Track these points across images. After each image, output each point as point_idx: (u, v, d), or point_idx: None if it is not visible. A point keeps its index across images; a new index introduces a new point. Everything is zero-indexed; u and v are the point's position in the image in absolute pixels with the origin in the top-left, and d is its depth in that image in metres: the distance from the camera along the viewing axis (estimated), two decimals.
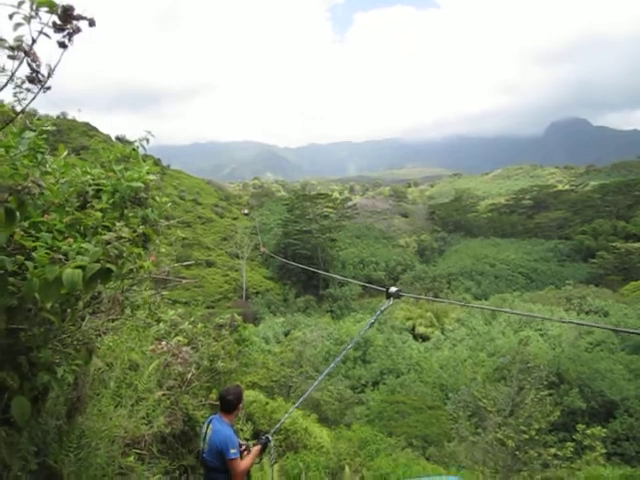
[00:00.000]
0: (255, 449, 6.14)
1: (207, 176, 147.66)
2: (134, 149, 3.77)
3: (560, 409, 23.07)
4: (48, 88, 2.64)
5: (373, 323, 7.02)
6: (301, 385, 22.35)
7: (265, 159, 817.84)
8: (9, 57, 2.46)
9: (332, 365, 7.57)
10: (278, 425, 7.50)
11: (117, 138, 78.57)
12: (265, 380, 20.89)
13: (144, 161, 3.80)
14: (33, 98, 2.66)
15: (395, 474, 12.44)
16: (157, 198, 3.82)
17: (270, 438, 6.37)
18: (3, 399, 2.93)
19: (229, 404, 5.99)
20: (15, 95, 2.76)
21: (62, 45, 2.43)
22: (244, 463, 5.87)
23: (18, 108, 2.88)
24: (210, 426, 5.94)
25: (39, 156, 2.88)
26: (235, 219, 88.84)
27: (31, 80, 2.55)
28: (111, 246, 2.65)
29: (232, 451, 5.69)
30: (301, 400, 7.76)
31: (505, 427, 18.99)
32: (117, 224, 2.85)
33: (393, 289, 6.73)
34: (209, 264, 68.68)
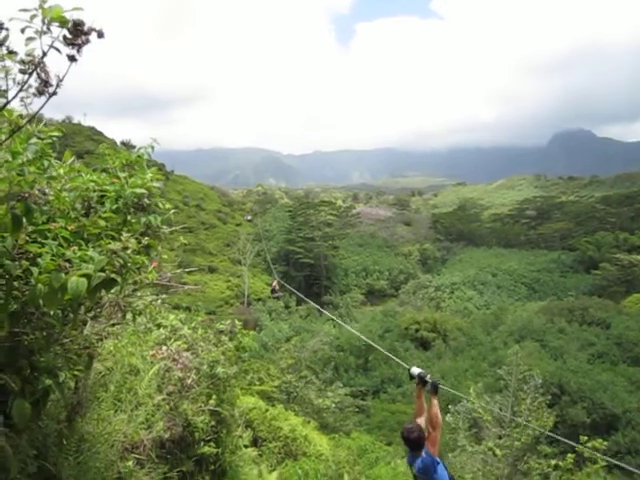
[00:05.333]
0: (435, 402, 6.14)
1: (211, 181, 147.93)
2: (139, 156, 3.81)
3: (560, 420, 23.03)
4: (55, 93, 2.67)
5: None
6: (301, 391, 22.33)
7: (269, 165, 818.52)
8: (20, 71, 2.50)
9: None
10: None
11: (122, 143, 78.87)
12: (267, 386, 20.89)
13: (148, 168, 3.82)
14: (41, 107, 2.70)
15: None
16: (160, 205, 3.85)
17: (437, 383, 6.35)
18: (7, 403, 2.96)
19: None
20: (22, 100, 2.79)
21: (72, 59, 2.47)
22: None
23: (24, 111, 2.91)
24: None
25: (45, 162, 2.92)
26: (238, 225, 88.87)
27: (41, 92, 2.59)
28: (116, 256, 2.69)
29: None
30: None
31: (504, 437, 18.99)
32: (124, 234, 2.88)
33: (415, 370, 6.56)
34: (211, 270, 68.72)
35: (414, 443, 5.91)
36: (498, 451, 18.87)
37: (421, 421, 6.22)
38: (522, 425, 18.88)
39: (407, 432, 5.97)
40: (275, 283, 43.97)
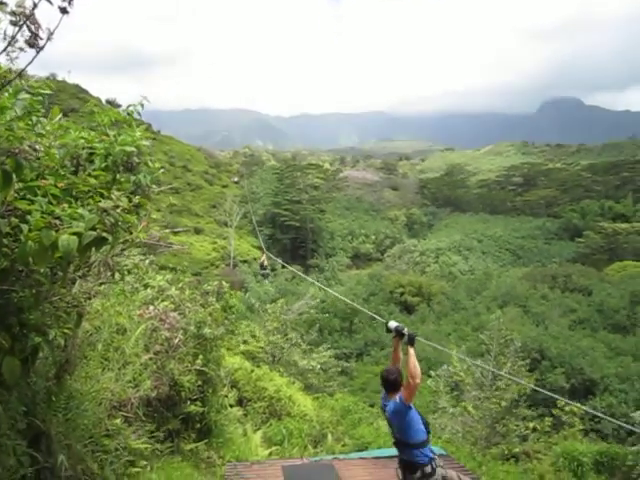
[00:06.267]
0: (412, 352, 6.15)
1: (198, 142, 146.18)
2: (129, 113, 3.76)
3: (539, 384, 23.45)
4: (42, 48, 2.62)
5: None
6: (287, 353, 22.51)
7: (256, 127, 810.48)
8: (11, 23, 2.44)
9: None
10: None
11: (108, 102, 77.65)
12: (252, 346, 21.06)
13: (137, 126, 3.78)
14: (31, 61, 2.65)
15: (377, 443, 12.65)
16: (149, 163, 3.82)
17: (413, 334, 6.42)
18: None
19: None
20: (8, 54, 2.73)
21: (63, 11, 2.42)
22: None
23: (10, 66, 2.85)
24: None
25: (34, 118, 2.87)
26: (225, 187, 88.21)
27: (31, 45, 2.53)
28: (107, 214, 2.66)
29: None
30: None
31: (484, 400, 19.35)
32: (115, 193, 2.85)
33: (392, 324, 6.64)
34: (197, 231, 68.47)
35: (391, 384, 6.14)
36: (471, 408, 19.31)
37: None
38: (503, 389, 19.28)
39: (387, 372, 6.25)
40: (264, 258, 41.48)
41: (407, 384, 5.89)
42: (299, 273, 28.48)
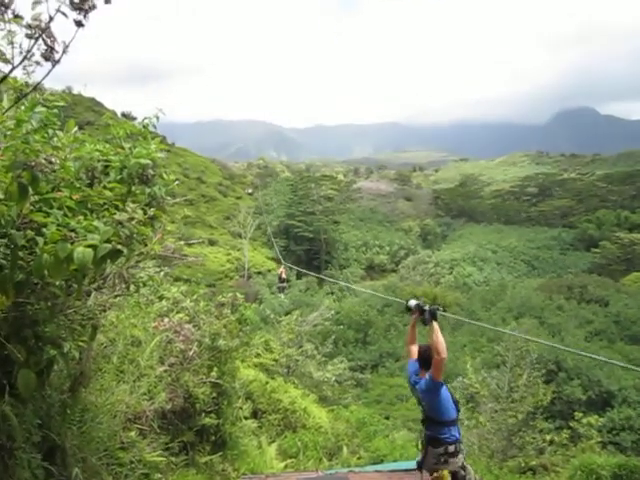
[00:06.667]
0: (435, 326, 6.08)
1: (212, 154, 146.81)
2: (145, 126, 3.77)
3: (556, 396, 23.25)
4: (58, 62, 2.64)
5: None
6: (302, 364, 22.42)
7: (271, 139, 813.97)
8: (27, 36, 2.45)
9: None
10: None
11: (123, 114, 78.29)
12: (267, 359, 21.01)
13: (152, 138, 3.80)
14: (46, 75, 2.66)
15: (393, 455, 12.56)
16: (164, 175, 3.83)
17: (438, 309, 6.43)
18: (12, 373, 2.96)
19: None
20: (24, 68, 2.75)
21: (79, 24, 2.42)
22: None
23: (27, 80, 2.87)
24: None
25: (50, 131, 2.88)
26: (239, 198, 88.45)
27: (47, 58, 2.54)
28: (122, 227, 2.66)
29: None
30: None
31: (500, 412, 19.17)
32: (130, 205, 2.86)
33: (412, 302, 6.61)
34: (211, 242, 68.60)
35: (426, 360, 6.07)
36: (482, 419, 19.15)
37: (414, 349, 6.49)
38: (518, 401, 19.11)
39: (425, 347, 6.18)
40: (282, 270, 40.16)
41: (433, 361, 5.86)
42: (326, 277, 28.45)
